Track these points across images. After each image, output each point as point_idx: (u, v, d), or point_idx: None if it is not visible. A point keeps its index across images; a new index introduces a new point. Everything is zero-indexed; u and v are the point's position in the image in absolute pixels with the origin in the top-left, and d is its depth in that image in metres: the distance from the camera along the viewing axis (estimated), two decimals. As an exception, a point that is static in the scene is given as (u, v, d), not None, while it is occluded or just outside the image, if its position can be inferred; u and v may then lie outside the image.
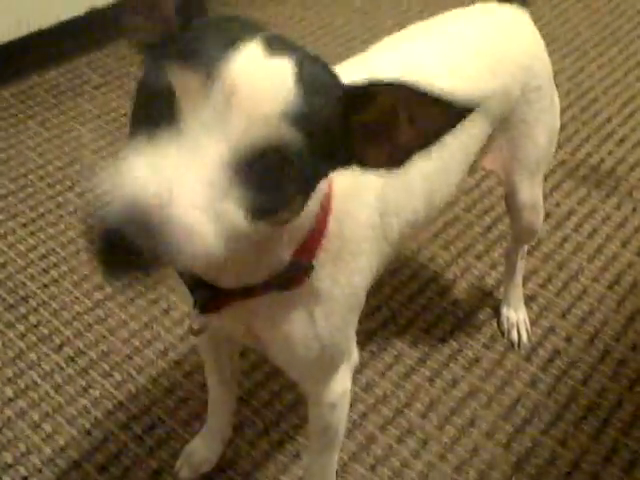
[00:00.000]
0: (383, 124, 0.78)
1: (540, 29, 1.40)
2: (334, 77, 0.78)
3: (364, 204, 1.00)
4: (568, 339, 1.72)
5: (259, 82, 0.69)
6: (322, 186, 0.86)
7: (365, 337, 1.67)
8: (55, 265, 1.78)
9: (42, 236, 1.85)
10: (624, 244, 1.95)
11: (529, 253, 1.81)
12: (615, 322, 1.76)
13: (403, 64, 1.13)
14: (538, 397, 1.60)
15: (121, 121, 2.21)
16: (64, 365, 1.58)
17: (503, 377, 1.63)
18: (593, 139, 2.27)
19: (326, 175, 0.80)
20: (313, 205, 0.88)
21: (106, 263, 0.65)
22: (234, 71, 0.69)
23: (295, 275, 0.91)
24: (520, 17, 1.37)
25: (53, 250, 1.82)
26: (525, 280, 1.79)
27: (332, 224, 0.94)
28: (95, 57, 2.46)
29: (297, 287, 0.93)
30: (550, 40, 2.51)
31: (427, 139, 0.77)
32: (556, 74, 2.43)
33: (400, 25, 1.29)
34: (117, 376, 1.57)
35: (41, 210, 1.91)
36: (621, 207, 2.05)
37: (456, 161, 1.20)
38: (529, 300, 1.79)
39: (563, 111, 2.29)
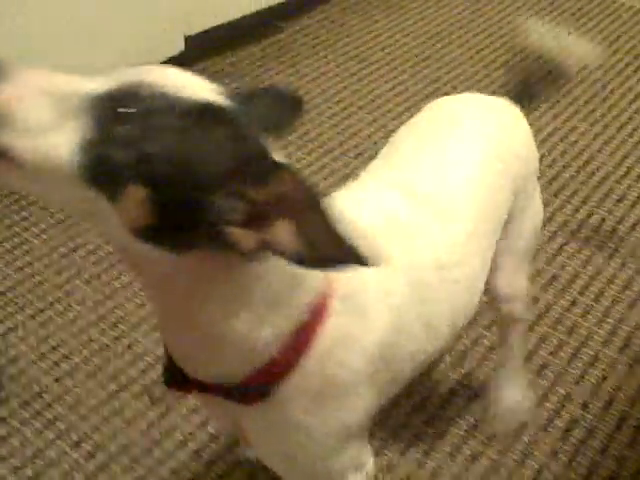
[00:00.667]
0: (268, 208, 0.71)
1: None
2: (253, 145, 0.74)
3: (359, 352, 0.93)
4: (584, 406, 1.72)
5: (175, 76, 0.75)
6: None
7: (383, 416, 1.66)
8: (66, 357, 1.77)
9: (52, 327, 1.84)
10: (630, 306, 1.96)
11: (539, 317, 1.83)
12: (628, 387, 1.77)
13: (411, 185, 1.12)
14: (559, 469, 1.60)
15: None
16: (83, 462, 1.57)
17: (523, 450, 1.63)
18: (592, 199, 2.29)
19: (187, 232, 0.72)
20: (266, 335, 0.83)
21: None
22: (167, 68, 0.76)
23: (247, 394, 0.89)
24: (507, 105, 1.34)
25: (63, 341, 1.81)
26: (536, 348, 1.80)
27: (311, 361, 0.88)
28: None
29: (251, 405, 0.90)
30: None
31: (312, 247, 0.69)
32: (549, 135, 2.49)
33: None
34: (139, 470, 1.55)
35: (49, 299, 1.91)
36: (625, 268, 2.07)
37: (480, 280, 1.21)
38: (541, 368, 1.79)
39: (560, 172, 2.34)
